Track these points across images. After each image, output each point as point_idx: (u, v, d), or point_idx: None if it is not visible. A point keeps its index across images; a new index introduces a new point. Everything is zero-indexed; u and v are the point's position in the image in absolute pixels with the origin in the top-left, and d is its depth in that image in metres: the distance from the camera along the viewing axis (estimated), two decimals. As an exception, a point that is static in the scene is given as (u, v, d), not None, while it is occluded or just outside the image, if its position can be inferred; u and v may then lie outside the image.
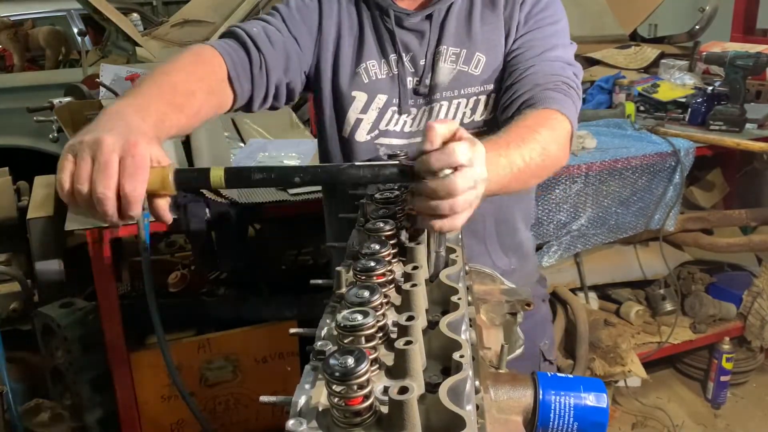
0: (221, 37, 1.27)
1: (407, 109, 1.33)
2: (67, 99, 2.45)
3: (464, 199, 0.80)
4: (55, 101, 2.42)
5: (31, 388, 2.37)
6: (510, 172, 0.97)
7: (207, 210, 1.99)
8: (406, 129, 1.34)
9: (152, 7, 8.12)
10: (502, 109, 1.25)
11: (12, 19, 4.91)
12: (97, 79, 2.42)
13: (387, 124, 1.34)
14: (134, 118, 0.90)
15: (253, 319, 2.40)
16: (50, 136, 2.47)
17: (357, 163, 0.85)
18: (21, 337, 2.38)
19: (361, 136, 1.35)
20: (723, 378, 2.95)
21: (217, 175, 0.82)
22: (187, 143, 2.17)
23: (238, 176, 0.84)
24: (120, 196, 0.81)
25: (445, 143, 0.80)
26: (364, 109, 1.34)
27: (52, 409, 2.25)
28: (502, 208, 1.40)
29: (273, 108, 1.33)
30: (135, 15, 4.87)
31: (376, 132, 1.34)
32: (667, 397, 3.06)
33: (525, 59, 1.25)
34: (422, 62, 1.31)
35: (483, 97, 1.31)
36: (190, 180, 0.85)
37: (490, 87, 1.30)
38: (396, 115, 1.33)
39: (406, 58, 1.31)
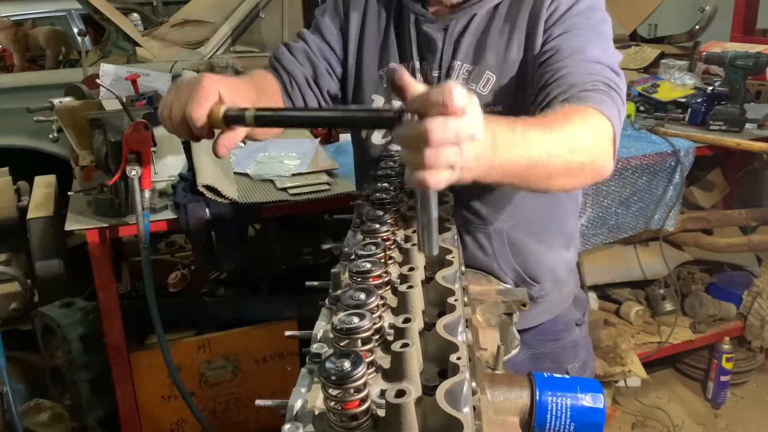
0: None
1: None
2: (67, 99, 2.45)
3: (441, 154, 0.72)
4: (55, 101, 2.41)
5: (31, 388, 2.37)
6: (526, 154, 0.85)
7: (207, 210, 1.99)
8: None
9: (152, 7, 8.11)
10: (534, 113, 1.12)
11: (12, 19, 4.89)
12: (97, 79, 2.42)
13: None
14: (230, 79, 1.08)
15: (253, 319, 2.41)
16: (50, 136, 2.46)
17: (353, 107, 0.95)
18: (21, 337, 2.38)
19: (377, 139, 1.35)
20: (723, 378, 2.95)
21: (249, 116, 0.94)
22: (187, 143, 2.17)
23: (262, 118, 0.95)
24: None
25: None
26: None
27: (52, 409, 2.25)
28: (518, 228, 1.31)
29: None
30: (135, 15, 4.86)
31: (390, 138, 1.33)
32: (667, 397, 3.06)
33: (558, 60, 1.12)
34: (436, 74, 1.27)
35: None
36: (233, 117, 0.96)
37: (498, 108, 1.23)
38: None
39: (423, 66, 1.28)
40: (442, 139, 0.71)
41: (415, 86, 0.75)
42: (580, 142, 0.92)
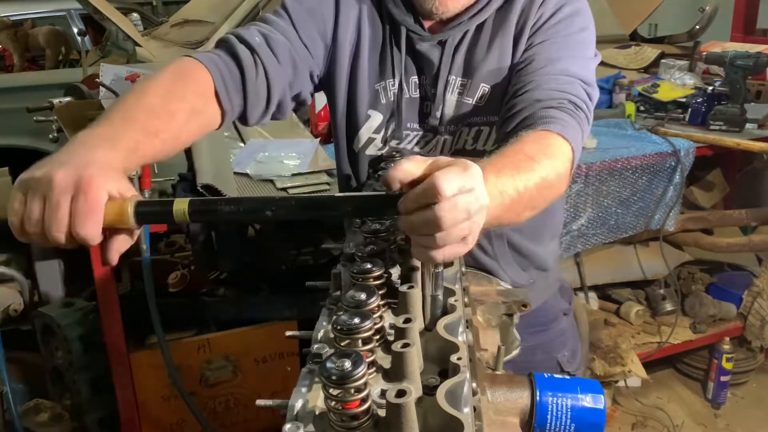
0: (216, 45, 1.18)
1: (418, 134, 1.29)
2: (67, 99, 2.45)
3: (455, 232, 0.70)
4: (55, 101, 2.42)
5: (31, 388, 2.37)
6: (501, 203, 0.83)
7: (207, 210, 1.99)
8: (417, 150, 1.30)
9: (152, 7, 8.11)
10: (499, 125, 1.14)
11: (12, 19, 4.90)
12: (97, 79, 2.42)
13: (399, 144, 1.30)
14: (100, 148, 0.84)
15: (253, 319, 2.41)
16: (50, 136, 2.46)
17: (337, 195, 0.77)
18: (21, 337, 2.38)
19: (372, 151, 1.32)
20: (723, 378, 2.95)
21: (180, 209, 0.75)
22: (186, 143, 2.17)
23: (203, 210, 0.76)
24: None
25: (426, 175, 0.71)
26: (378, 130, 1.29)
27: (52, 409, 2.25)
28: (515, 229, 1.31)
29: (275, 119, 1.24)
30: (135, 15, 4.86)
31: (387, 149, 1.31)
32: (667, 397, 3.06)
33: (528, 72, 1.12)
34: (433, 90, 1.25)
35: (486, 128, 1.24)
36: (152, 213, 0.78)
37: (494, 118, 1.21)
38: (409, 136, 1.30)
39: (420, 82, 1.26)
40: (455, 220, 0.69)
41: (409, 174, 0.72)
42: (546, 179, 0.92)
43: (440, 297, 0.78)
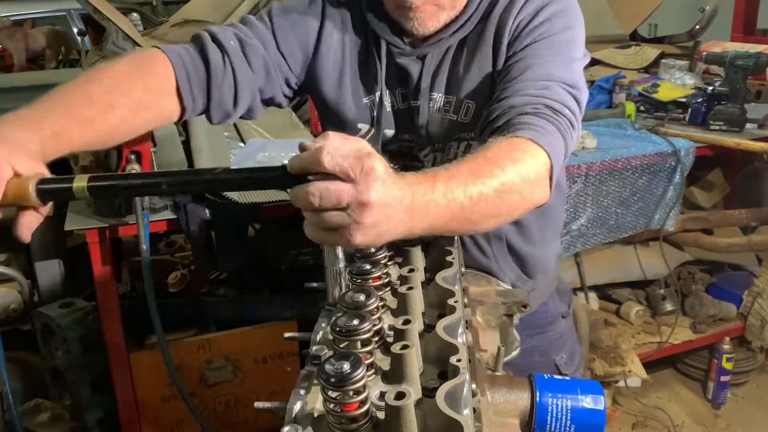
0: (191, 39, 1.17)
1: (411, 146, 1.27)
2: (67, 99, 2.45)
3: (322, 218, 0.71)
4: (55, 101, 2.41)
5: (31, 388, 2.36)
6: (447, 209, 0.80)
7: (207, 210, 1.99)
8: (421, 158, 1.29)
9: (152, 7, 8.10)
10: (477, 135, 1.09)
11: (12, 19, 4.91)
12: (97, 80, 2.42)
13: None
14: (19, 130, 0.87)
15: (253, 319, 2.41)
16: (50, 136, 2.46)
17: (233, 168, 0.78)
18: (21, 337, 2.38)
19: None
20: (723, 378, 2.94)
21: (80, 186, 0.77)
22: (187, 143, 2.17)
23: (101, 187, 0.79)
24: None
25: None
26: (370, 142, 1.30)
27: (52, 409, 2.25)
28: (515, 232, 1.31)
29: (243, 119, 1.26)
30: (135, 15, 4.84)
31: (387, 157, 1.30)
32: (667, 397, 3.05)
33: (507, 80, 1.06)
34: (416, 103, 1.23)
35: (475, 143, 1.20)
36: (54, 191, 0.79)
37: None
38: (403, 146, 1.29)
39: (404, 96, 1.25)
40: (321, 204, 0.70)
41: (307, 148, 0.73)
42: (509, 185, 0.87)
43: (339, 269, 0.79)
